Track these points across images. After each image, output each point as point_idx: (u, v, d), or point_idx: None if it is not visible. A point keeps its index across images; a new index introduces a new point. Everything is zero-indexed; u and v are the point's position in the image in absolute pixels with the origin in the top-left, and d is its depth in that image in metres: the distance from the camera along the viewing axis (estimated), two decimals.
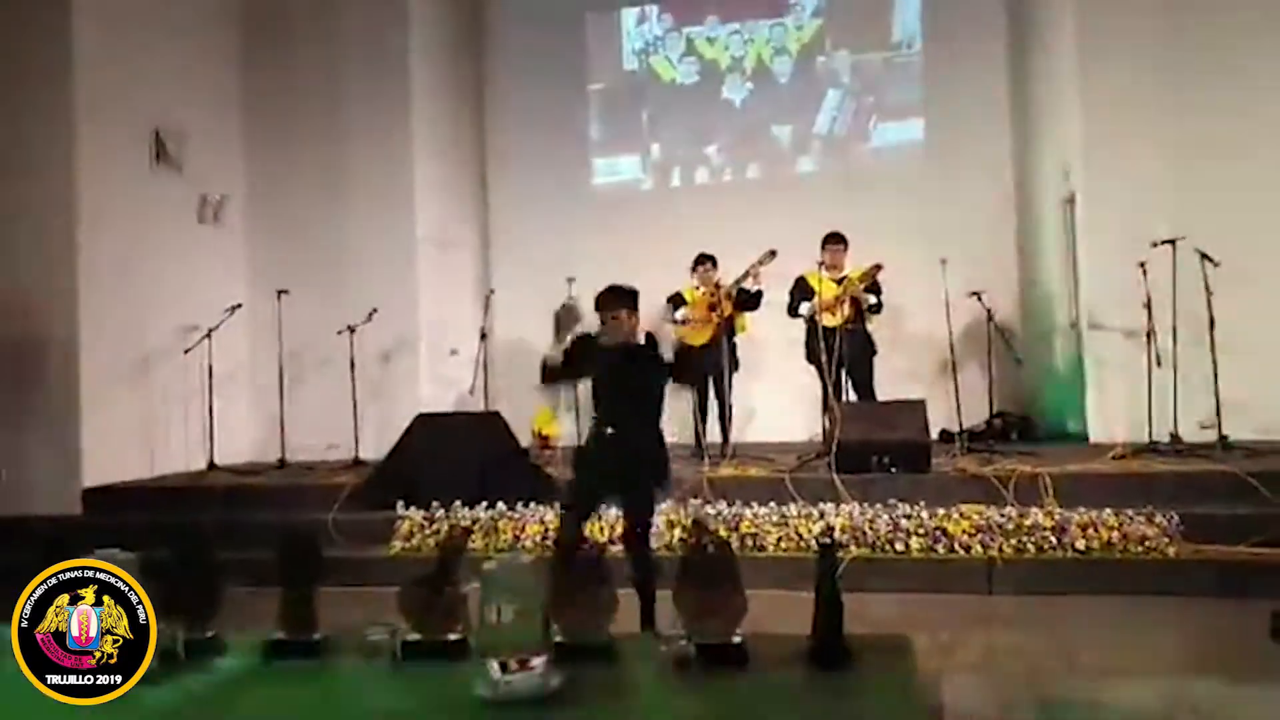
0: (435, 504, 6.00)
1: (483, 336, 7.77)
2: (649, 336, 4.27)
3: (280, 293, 7.71)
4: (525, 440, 7.38)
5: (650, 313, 7.47)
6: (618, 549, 5.31)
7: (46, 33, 6.83)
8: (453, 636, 2.42)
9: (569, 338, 4.37)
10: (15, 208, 6.86)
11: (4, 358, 6.81)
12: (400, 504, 6.07)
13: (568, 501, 4.51)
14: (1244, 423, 6.24)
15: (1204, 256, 6.14)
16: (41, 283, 6.84)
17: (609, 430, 4.19)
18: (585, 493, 4.35)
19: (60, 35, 6.81)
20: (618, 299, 4.19)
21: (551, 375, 4.32)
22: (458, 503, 5.99)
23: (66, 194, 6.79)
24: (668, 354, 4.17)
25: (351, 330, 7.51)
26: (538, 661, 2.13)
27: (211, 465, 7.42)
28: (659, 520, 5.53)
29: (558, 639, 2.33)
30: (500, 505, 5.91)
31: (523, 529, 5.67)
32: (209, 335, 7.35)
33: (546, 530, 5.57)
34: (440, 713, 2.16)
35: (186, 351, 7.37)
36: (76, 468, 6.74)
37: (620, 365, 4.17)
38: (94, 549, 2.28)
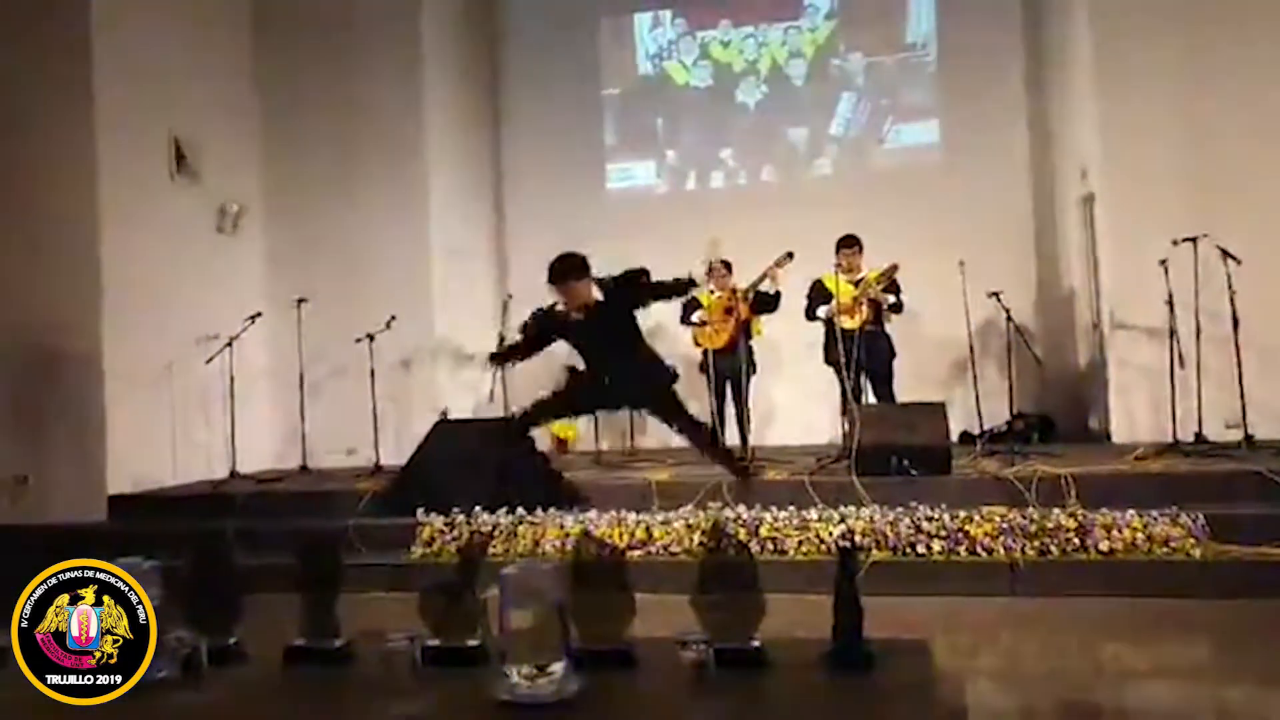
0: (455, 510, 6.02)
1: (500, 342, 7.79)
2: (604, 286, 4.47)
3: (299, 301, 7.77)
4: (543, 446, 7.39)
5: (666, 318, 7.53)
6: (637, 553, 5.35)
7: (66, 47, 6.93)
8: (472, 642, 2.43)
9: (527, 319, 4.66)
10: (38, 220, 6.96)
11: (29, 368, 6.90)
12: (420, 510, 6.08)
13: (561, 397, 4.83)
14: (1270, 421, 6.17)
15: (1225, 254, 6.07)
16: (64, 294, 6.92)
17: (606, 379, 4.59)
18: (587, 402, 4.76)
19: (80, 49, 6.90)
20: (566, 271, 4.49)
21: (500, 357, 4.55)
22: (477, 508, 6.01)
23: (88, 205, 6.88)
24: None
25: (370, 338, 7.55)
26: (556, 667, 2.13)
27: (233, 473, 7.47)
28: (678, 525, 5.53)
29: (577, 644, 2.33)
30: (520, 511, 5.92)
31: (542, 534, 5.67)
32: (230, 344, 7.41)
33: (567, 535, 5.57)
34: (460, 719, 2.17)
35: (208, 360, 7.44)
36: (101, 476, 6.82)
37: (591, 325, 4.35)
38: (116, 557, 2.30)
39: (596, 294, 4.42)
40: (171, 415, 7.43)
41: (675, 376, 4.72)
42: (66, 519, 6.60)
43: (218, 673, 2.42)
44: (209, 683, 2.36)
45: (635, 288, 4.57)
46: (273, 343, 8.21)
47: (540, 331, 4.54)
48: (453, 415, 7.81)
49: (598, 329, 4.40)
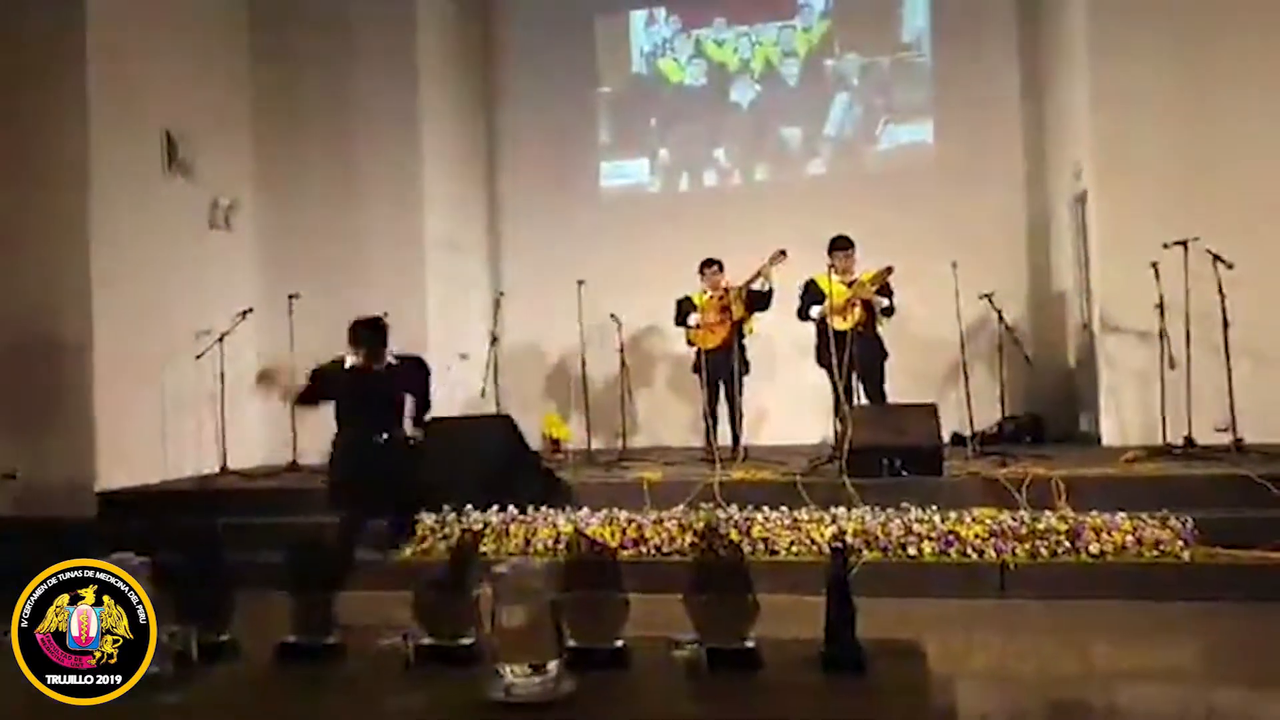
0: (447, 508, 6.01)
1: (493, 340, 7.78)
2: (401, 359, 5.50)
3: (291, 297, 7.74)
4: (535, 444, 7.38)
5: (661, 319, 7.53)
6: (629, 553, 5.35)
7: (59, 40, 6.88)
8: (464, 641, 2.42)
9: (312, 370, 5.60)
10: (29, 213, 6.91)
11: (19, 362, 6.86)
12: None
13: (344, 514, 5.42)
14: (1259, 425, 6.19)
15: (1216, 258, 6.09)
16: (55, 288, 6.88)
17: (351, 440, 5.31)
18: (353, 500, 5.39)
19: (73, 43, 6.86)
20: (359, 335, 5.41)
21: (300, 399, 5.70)
22: (469, 506, 6.00)
23: (79, 199, 6.84)
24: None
25: None
26: (550, 666, 2.13)
27: (224, 469, 7.45)
28: (673, 525, 5.53)
29: (569, 643, 2.33)
30: (511, 509, 5.91)
31: (534, 532, 5.66)
32: (221, 339, 7.38)
33: (559, 534, 5.57)
34: (452, 717, 2.16)
35: (198, 356, 7.40)
36: (91, 471, 6.78)
37: (368, 382, 5.24)
38: (108, 553, 2.29)
39: (390, 358, 5.43)
40: (162, 411, 7.39)
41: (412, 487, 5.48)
42: (56, 514, 6.56)
43: (209, 669, 2.42)
44: (201, 679, 2.36)
45: (420, 370, 5.67)
46: (264, 338, 8.17)
47: (322, 384, 5.50)
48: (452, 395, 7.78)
49: (372, 387, 5.29)
